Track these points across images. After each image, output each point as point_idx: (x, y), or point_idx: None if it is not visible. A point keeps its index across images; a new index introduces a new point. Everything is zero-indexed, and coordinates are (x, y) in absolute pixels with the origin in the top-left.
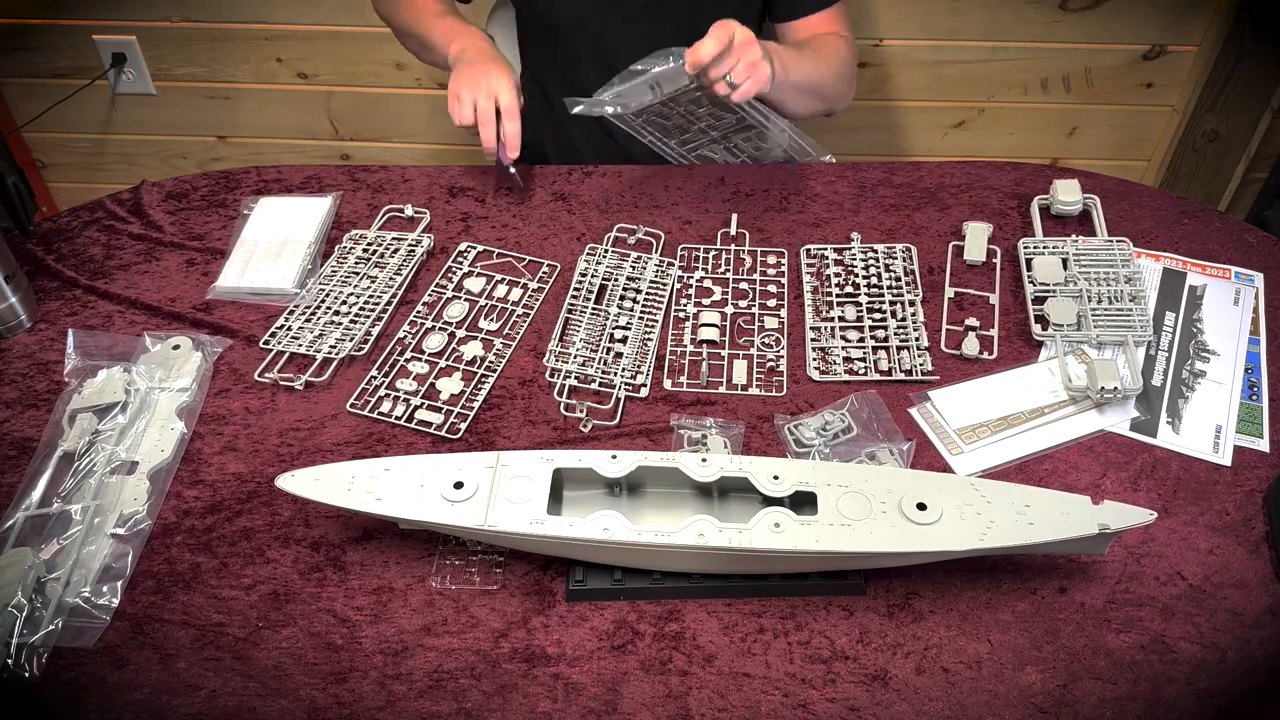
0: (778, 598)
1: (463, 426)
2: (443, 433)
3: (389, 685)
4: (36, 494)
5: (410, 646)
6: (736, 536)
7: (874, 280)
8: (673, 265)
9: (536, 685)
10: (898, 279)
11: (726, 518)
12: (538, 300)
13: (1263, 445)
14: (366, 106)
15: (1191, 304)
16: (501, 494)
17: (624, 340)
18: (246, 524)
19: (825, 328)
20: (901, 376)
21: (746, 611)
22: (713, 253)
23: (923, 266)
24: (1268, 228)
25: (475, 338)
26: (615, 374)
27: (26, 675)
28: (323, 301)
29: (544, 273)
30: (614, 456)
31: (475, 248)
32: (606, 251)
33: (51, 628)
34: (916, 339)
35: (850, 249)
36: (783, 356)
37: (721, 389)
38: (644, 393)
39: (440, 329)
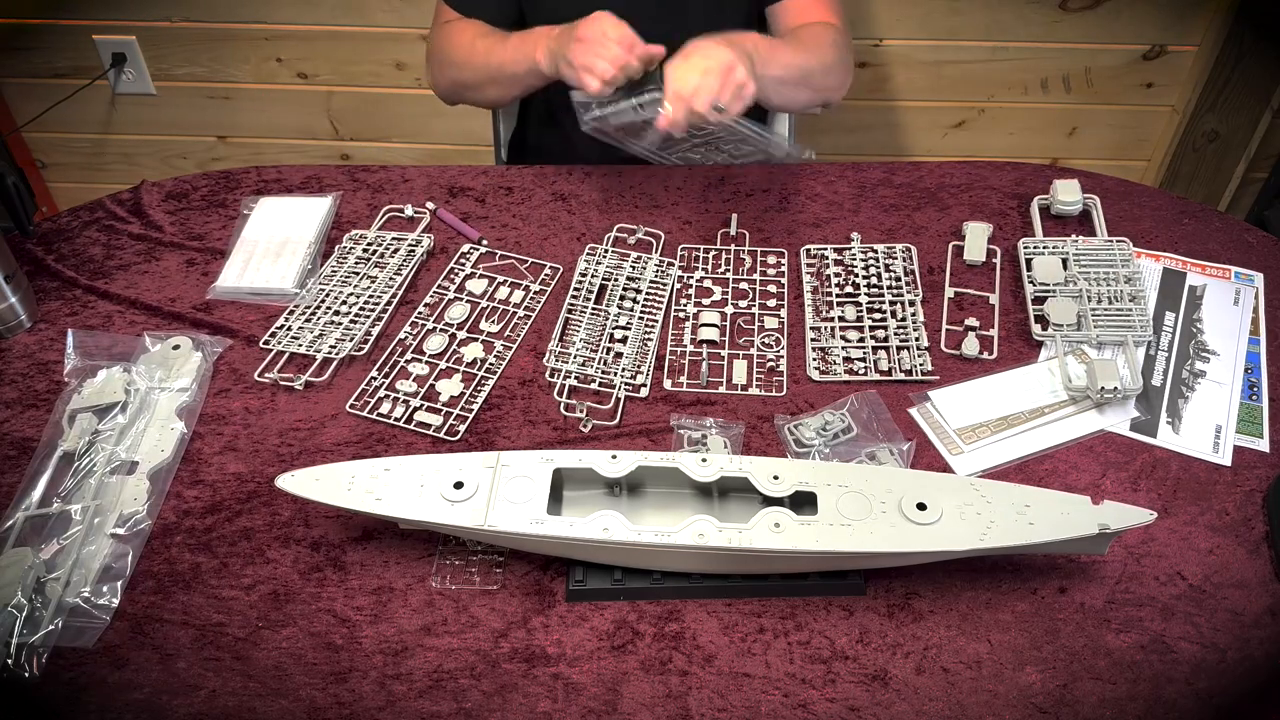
0: (778, 598)
1: (461, 428)
2: (441, 434)
3: (389, 685)
4: (36, 494)
5: (410, 646)
6: (736, 536)
7: (874, 280)
8: (673, 265)
9: (536, 685)
10: (898, 279)
11: (726, 518)
12: (539, 302)
13: (1263, 445)
14: (366, 106)
15: (1191, 304)
16: (501, 494)
17: (624, 340)
18: (246, 524)
19: (825, 328)
20: (901, 376)
21: (746, 611)
22: (713, 253)
23: (923, 266)
24: (1268, 228)
25: (476, 339)
26: (615, 374)
27: (26, 675)
28: (323, 301)
29: (546, 274)
30: (614, 456)
31: (477, 249)
32: (606, 251)
33: (51, 628)
34: (916, 339)
35: (850, 249)
36: (783, 356)
37: (721, 389)
38: (644, 393)
39: (441, 330)
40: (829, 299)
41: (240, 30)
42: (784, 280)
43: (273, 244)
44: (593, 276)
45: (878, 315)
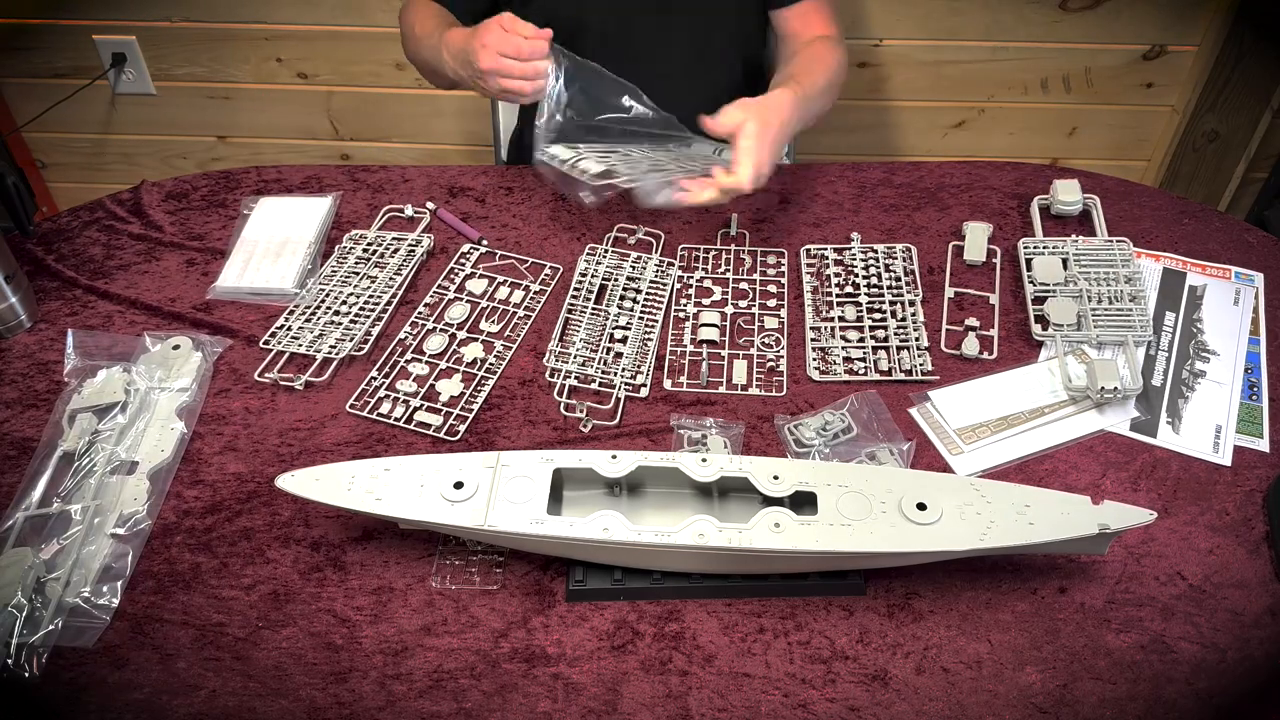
0: (778, 598)
1: (461, 428)
2: (441, 434)
3: (389, 685)
4: (36, 494)
5: (410, 646)
6: (736, 536)
7: (874, 280)
8: (673, 265)
9: (536, 685)
10: (898, 279)
11: (726, 518)
12: (539, 302)
13: (1263, 445)
14: (366, 106)
15: (1191, 304)
16: (501, 494)
17: (624, 340)
18: (246, 524)
19: (825, 328)
20: (901, 376)
21: (746, 611)
22: (713, 253)
23: (923, 266)
24: (1268, 228)
25: (476, 339)
26: (615, 374)
27: (26, 675)
28: (323, 301)
29: (546, 274)
30: (614, 456)
31: (478, 249)
32: (606, 251)
33: (51, 628)
34: (916, 339)
35: (850, 249)
36: (783, 356)
37: (721, 389)
38: (644, 393)
39: (441, 330)
40: (829, 299)
41: (240, 30)
42: (784, 280)
43: (273, 244)
44: (593, 276)
45: (878, 315)
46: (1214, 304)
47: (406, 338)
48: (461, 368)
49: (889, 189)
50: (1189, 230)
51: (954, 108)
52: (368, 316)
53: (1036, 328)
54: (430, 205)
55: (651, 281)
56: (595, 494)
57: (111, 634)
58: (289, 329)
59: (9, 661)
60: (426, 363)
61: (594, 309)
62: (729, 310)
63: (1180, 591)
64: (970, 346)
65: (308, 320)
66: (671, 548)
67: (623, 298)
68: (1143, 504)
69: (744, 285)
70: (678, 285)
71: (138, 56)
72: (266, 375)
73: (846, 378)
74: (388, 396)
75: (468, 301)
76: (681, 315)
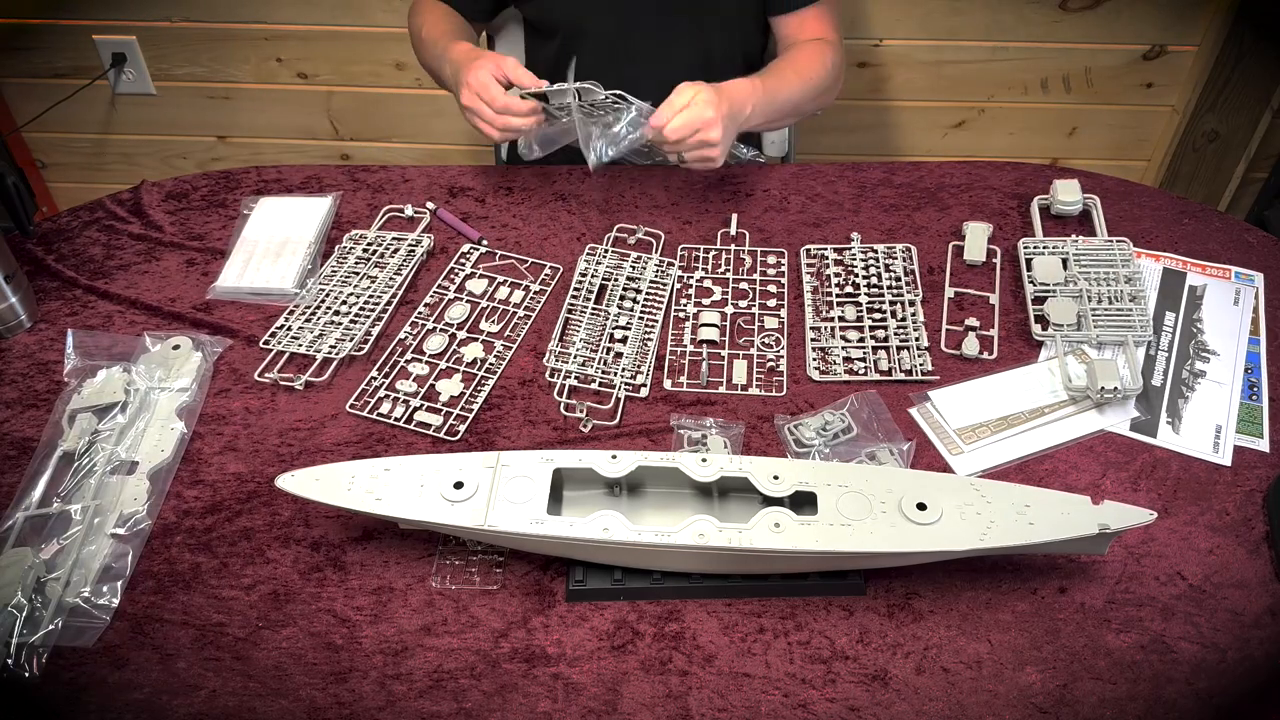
0: (778, 598)
1: (461, 428)
2: (441, 434)
3: (389, 685)
4: (36, 494)
5: (410, 646)
6: (736, 536)
7: (874, 280)
8: (673, 265)
9: (536, 685)
10: (898, 279)
11: (726, 518)
12: (539, 302)
13: (1263, 445)
14: (366, 106)
15: (1191, 304)
16: (501, 494)
17: (624, 340)
18: (246, 524)
19: (825, 328)
20: (901, 376)
21: (746, 611)
22: (713, 253)
23: (923, 266)
24: (1268, 228)
25: (476, 339)
26: (615, 374)
27: (26, 675)
28: (323, 301)
29: (546, 274)
30: (614, 456)
31: (478, 249)
32: (606, 251)
33: (51, 628)
34: (916, 339)
35: (850, 249)
36: (783, 356)
37: (721, 389)
38: (644, 393)
39: (441, 330)
40: (829, 299)
41: (240, 30)
42: (784, 280)
43: (273, 244)
44: (593, 276)
45: (878, 315)
46: (1214, 304)
47: (406, 338)
48: (461, 368)
49: (889, 189)
50: (1189, 230)
51: (954, 108)
52: (368, 316)
53: (1036, 328)
54: (430, 205)
55: (651, 281)
56: (595, 494)
57: (111, 634)
58: (289, 329)
59: (9, 661)
60: (426, 363)
61: (594, 309)
62: (729, 310)
63: (1180, 591)
64: (970, 346)
65: (308, 320)
66: (671, 548)
67: (623, 298)
68: (1143, 504)
69: (744, 285)
70: (678, 285)
71: (138, 56)
72: (266, 375)
73: (846, 378)
74: (388, 396)
75: (468, 301)
76: (681, 315)
